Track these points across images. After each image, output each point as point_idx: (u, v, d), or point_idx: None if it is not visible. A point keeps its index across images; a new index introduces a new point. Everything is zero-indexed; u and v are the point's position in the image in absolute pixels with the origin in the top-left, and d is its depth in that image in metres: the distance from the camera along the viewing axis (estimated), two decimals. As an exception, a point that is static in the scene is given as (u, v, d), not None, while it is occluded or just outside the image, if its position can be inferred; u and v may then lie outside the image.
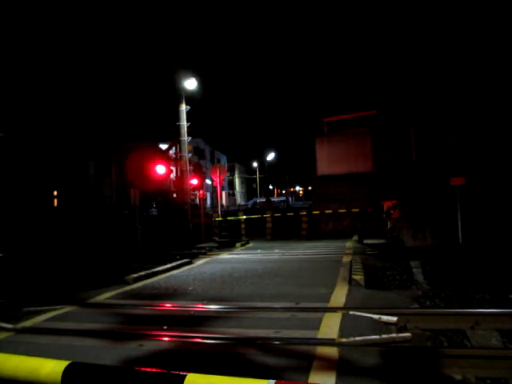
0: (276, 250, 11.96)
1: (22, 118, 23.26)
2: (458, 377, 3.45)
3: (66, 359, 1.74)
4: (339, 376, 2.99)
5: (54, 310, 5.34)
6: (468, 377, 3.45)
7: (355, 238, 14.17)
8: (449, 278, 7.53)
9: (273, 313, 4.90)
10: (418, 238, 13.84)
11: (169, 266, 8.96)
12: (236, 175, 63.87)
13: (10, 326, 4.55)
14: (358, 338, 3.68)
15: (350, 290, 5.98)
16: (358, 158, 17.49)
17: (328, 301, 5.36)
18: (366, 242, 12.90)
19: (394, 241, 11.79)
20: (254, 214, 18.18)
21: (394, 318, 4.41)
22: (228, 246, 13.81)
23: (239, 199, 61.88)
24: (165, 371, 1.60)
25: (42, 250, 12.63)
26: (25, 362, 1.77)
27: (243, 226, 15.74)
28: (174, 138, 22.06)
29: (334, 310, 4.85)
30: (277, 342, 3.78)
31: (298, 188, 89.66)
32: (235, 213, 22.54)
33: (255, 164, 61.07)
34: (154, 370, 1.62)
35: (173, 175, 27.73)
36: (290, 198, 57.10)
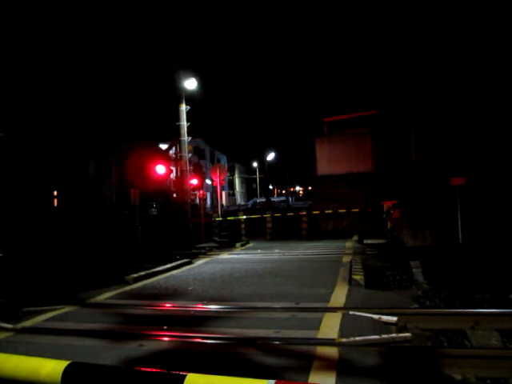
0: (276, 250, 11.96)
1: (22, 118, 23.26)
2: (458, 377, 3.45)
3: (66, 359, 1.74)
4: (339, 376, 2.99)
5: (54, 310, 5.34)
6: (468, 377, 3.45)
7: (355, 237, 14.17)
8: (449, 278, 7.53)
9: (273, 313, 4.90)
10: (418, 238, 13.84)
11: (169, 266, 8.96)
12: (236, 175, 63.90)
13: (9, 326, 4.55)
14: (357, 338, 3.68)
15: (350, 290, 5.98)
16: (358, 158, 17.49)
17: (328, 301, 5.36)
18: (366, 241, 12.91)
19: (394, 241, 11.79)
20: (254, 214, 18.18)
21: (394, 318, 4.41)
22: (228, 245, 13.81)
23: (239, 199, 61.90)
24: (165, 371, 1.60)
25: (41, 250, 12.63)
26: (25, 362, 1.77)
27: (243, 226, 15.74)
28: (173, 138, 22.08)
29: (334, 310, 4.85)
30: (277, 342, 3.78)
31: (298, 188, 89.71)
32: (235, 213, 22.54)
33: (255, 164, 61.16)
34: (154, 370, 1.62)
35: (173, 175, 27.76)
36: (290, 198, 57.12)
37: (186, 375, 1.54)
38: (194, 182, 18.84)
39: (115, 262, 10.73)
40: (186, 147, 16.27)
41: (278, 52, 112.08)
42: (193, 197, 22.03)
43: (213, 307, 5.31)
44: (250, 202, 50.11)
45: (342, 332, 3.96)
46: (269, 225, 16.07)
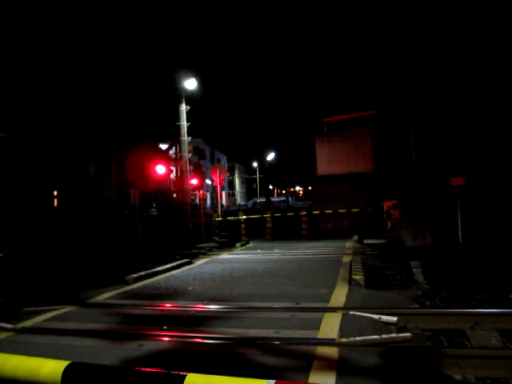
0: (276, 250, 11.96)
1: (22, 118, 23.26)
2: (458, 377, 3.45)
3: (66, 359, 1.74)
4: (339, 376, 2.99)
5: (54, 310, 5.34)
6: (468, 377, 3.45)
7: (355, 237, 14.17)
8: (449, 278, 7.53)
9: (273, 313, 4.90)
10: (418, 238, 13.85)
11: (169, 266, 8.96)
12: (236, 175, 63.89)
13: (10, 325, 4.55)
14: (357, 338, 3.68)
15: (350, 290, 5.98)
16: (358, 158, 17.50)
17: (328, 301, 5.36)
18: (365, 241, 12.91)
19: (393, 241, 11.77)
20: (254, 214, 18.18)
21: (394, 318, 4.41)
22: (228, 246, 13.81)
23: (239, 199, 61.90)
24: (165, 371, 1.60)
25: (42, 250, 12.63)
26: (25, 362, 1.77)
27: (243, 226, 15.74)
28: (174, 138, 22.07)
29: (334, 309, 4.85)
30: (277, 342, 3.78)
31: (298, 188, 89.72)
32: (235, 213, 22.54)
33: (255, 164, 61.18)
34: (154, 370, 1.61)
35: (173, 175, 27.75)
36: (290, 198, 57.14)
37: (186, 375, 1.54)
38: (194, 182, 18.84)
39: (115, 261, 10.73)
40: (185, 147, 16.28)
41: (277, 52, 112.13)
42: (193, 197, 22.03)
43: (213, 307, 5.31)
44: (250, 202, 50.12)
45: (342, 332, 3.96)
46: (269, 225, 16.08)
